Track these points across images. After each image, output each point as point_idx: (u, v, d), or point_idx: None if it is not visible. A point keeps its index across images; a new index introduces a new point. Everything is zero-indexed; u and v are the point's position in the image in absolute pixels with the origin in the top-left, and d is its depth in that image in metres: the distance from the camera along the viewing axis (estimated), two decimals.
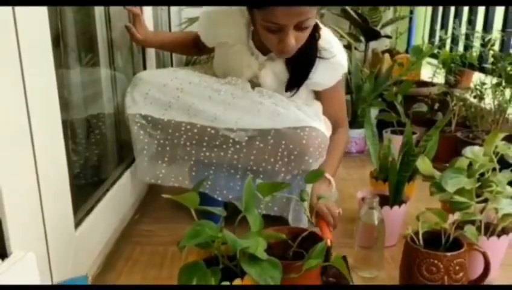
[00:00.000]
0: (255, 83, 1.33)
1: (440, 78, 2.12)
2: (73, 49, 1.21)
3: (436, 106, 2.04)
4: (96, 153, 1.30)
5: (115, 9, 1.39)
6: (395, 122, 1.88)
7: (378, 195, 1.18)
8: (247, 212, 0.93)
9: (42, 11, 0.85)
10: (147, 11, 1.58)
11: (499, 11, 1.96)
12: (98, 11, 1.30)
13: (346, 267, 0.97)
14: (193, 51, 1.55)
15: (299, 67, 1.29)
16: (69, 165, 0.96)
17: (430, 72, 2.14)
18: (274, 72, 1.32)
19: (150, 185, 1.59)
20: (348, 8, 2.04)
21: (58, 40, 1.10)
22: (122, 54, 1.48)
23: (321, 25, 1.29)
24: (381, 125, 1.95)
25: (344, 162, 1.92)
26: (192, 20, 2.17)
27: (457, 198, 1.06)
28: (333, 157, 1.29)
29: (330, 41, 1.30)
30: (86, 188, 1.18)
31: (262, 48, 1.30)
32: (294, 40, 1.14)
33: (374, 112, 2.06)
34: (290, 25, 1.11)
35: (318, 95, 1.39)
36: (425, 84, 2.24)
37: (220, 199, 1.29)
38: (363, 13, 2.21)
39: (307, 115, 1.25)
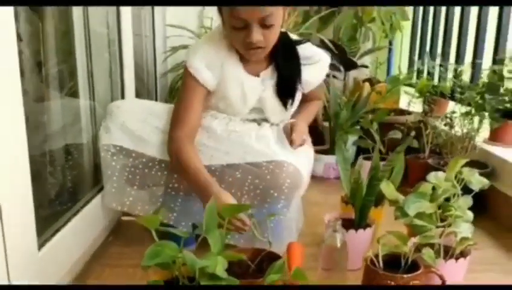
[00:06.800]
0: (256, 109, 1.37)
1: (417, 107, 2.18)
2: (53, 77, 1.25)
3: (413, 133, 2.08)
4: (68, 176, 1.32)
5: (95, 37, 1.43)
6: (371, 148, 1.92)
7: (345, 219, 1.21)
8: (208, 233, 0.95)
9: (11, 39, 0.89)
10: (129, 41, 1.64)
11: (470, 44, 2.05)
12: (79, 38, 1.35)
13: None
14: None
15: (286, 75, 1.36)
16: (39, 187, 0.98)
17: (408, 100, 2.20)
18: (272, 92, 1.36)
19: None
20: (325, 39, 2.11)
21: (40, 68, 1.14)
22: (101, 81, 1.52)
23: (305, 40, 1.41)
24: (361, 151, 2.00)
25: (322, 187, 1.96)
26: (175, 49, 2.23)
27: (417, 221, 1.09)
28: (307, 111, 1.48)
29: (314, 50, 1.43)
30: (54, 210, 1.19)
31: (249, 68, 1.33)
32: (262, 37, 1.20)
33: (352, 139, 2.12)
34: (254, 21, 1.17)
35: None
36: (402, 112, 2.30)
37: (185, 229, 1.29)
38: (342, 43, 2.28)
39: (279, 148, 1.29)
